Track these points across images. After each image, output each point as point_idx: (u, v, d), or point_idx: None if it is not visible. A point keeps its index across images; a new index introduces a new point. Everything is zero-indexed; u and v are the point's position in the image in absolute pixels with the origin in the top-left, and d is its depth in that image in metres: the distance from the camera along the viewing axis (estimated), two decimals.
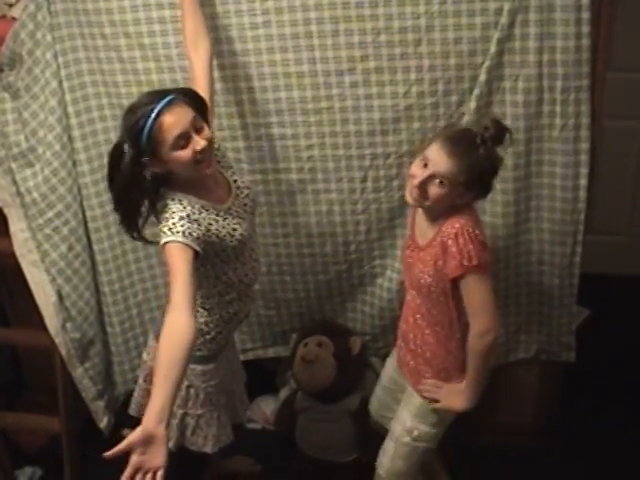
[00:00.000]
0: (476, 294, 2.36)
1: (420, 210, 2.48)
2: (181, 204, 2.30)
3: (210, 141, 2.31)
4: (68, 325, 3.04)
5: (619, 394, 3.67)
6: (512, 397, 3.32)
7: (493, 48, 2.62)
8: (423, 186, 2.30)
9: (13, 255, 2.95)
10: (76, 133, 2.93)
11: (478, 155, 2.27)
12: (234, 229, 2.44)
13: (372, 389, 3.23)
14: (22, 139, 2.84)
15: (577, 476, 3.27)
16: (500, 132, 2.31)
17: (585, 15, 2.54)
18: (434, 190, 2.30)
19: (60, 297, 3.00)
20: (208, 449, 2.70)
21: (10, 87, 2.78)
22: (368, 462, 3.16)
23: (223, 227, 2.41)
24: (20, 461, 3.40)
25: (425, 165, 2.30)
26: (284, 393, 3.42)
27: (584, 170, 2.77)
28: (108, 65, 2.85)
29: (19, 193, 2.87)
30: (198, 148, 2.26)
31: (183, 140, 2.25)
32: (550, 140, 2.75)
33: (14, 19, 2.77)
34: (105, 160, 2.96)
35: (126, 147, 2.25)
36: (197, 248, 2.26)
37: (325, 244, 3.07)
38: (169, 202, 2.31)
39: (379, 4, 2.61)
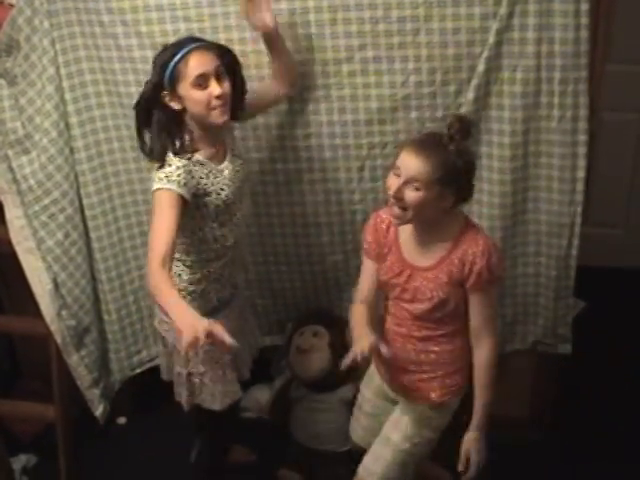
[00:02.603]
0: (492, 304, 2.45)
1: (408, 234, 2.44)
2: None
3: (226, 94, 2.45)
4: (64, 313, 3.04)
5: (617, 386, 3.68)
6: (508, 389, 3.30)
7: (492, 38, 2.62)
8: (399, 194, 2.25)
9: (9, 242, 2.94)
10: (73, 120, 2.92)
11: (448, 152, 2.23)
12: (222, 189, 2.55)
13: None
14: (19, 126, 2.82)
15: (574, 469, 3.27)
16: (465, 125, 2.27)
17: (584, 7, 2.54)
18: (411, 195, 2.24)
19: (56, 285, 2.99)
20: (217, 406, 2.76)
21: (7, 74, 2.77)
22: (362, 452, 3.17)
23: (212, 184, 2.52)
24: (15, 449, 3.40)
25: (398, 175, 2.26)
26: (279, 382, 3.42)
27: (582, 162, 2.77)
28: (105, 53, 2.84)
29: (15, 180, 2.86)
30: (215, 93, 2.40)
31: (203, 80, 2.39)
32: (548, 132, 2.75)
33: (11, 5, 2.76)
34: (103, 147, 3.00)
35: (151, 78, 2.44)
36: (188, 199, 2.43)
37: (322, 234, 3.07)
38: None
39: None
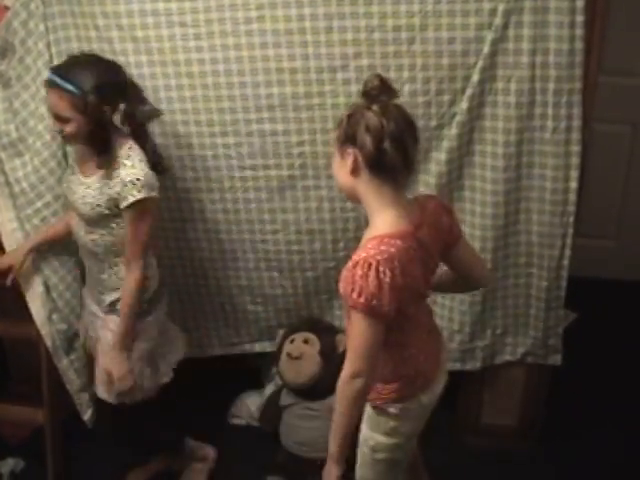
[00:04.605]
0: (355, 333, 2.07)
1: None
2: None
3: None
4: (54, 316, 3.03)
5: (606, 398, 3.68)
6: (497, 399, 3.33)
7: (486, 49, 2.62)
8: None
9: (0, 245, 2.93)
10: None
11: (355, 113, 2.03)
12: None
13: None
14: (12, 129, 2.83)
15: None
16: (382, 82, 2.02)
17: (579, 18, 2.55)
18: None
19: (47, 288, 2.99)
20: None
21: (1, 76, 2.77)
22: (352, 461, 3.16)
23: (65, 180, 2.80)
24: (3, 452, 3.39)
25: None
26: (269, 389, 3.41)
27: (574, 173, 2.78)
28: None
29: (8, 183, 2.86)
30: None
31: None
32: (541, 142, 2.75)
33: (7, 8, 2.76)
34: None
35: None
36: None
37: (314, 241, 3.06)
38: None
39: (373, 2, 2.61)
